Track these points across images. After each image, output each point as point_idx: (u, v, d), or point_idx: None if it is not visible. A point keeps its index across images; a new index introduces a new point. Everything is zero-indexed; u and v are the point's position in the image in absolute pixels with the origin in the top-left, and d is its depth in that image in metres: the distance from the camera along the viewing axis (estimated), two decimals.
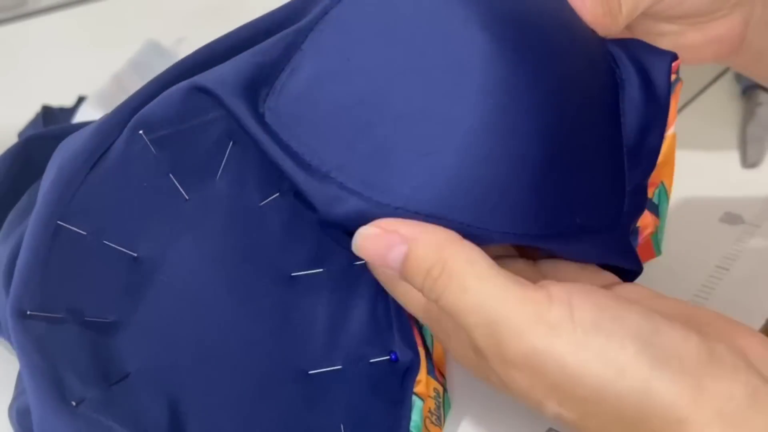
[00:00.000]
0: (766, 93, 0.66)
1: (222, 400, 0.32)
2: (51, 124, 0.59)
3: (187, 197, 0.34)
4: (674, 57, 0.36)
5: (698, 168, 0.58)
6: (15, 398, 0.34)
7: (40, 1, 0.91)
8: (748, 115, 0.64)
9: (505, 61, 0.30)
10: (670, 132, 0.38)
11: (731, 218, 0.51)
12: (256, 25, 0.36)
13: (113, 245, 0.33)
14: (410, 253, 0.29)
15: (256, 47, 0.35)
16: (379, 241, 0.30)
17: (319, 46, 0.34)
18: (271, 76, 0.34)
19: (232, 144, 0.34)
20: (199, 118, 0.34)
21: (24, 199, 0.39)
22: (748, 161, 0.58)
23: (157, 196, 0.34)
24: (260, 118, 0.33)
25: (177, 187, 0.34)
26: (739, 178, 0.57)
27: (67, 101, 0.62)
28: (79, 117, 0.58)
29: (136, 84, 0.65)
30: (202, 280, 0.33)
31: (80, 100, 0.62)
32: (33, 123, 0.59)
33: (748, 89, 0.67)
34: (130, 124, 0.34)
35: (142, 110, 0.34)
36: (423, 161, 0.30)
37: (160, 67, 0.69)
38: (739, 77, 0.71)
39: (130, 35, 0.73)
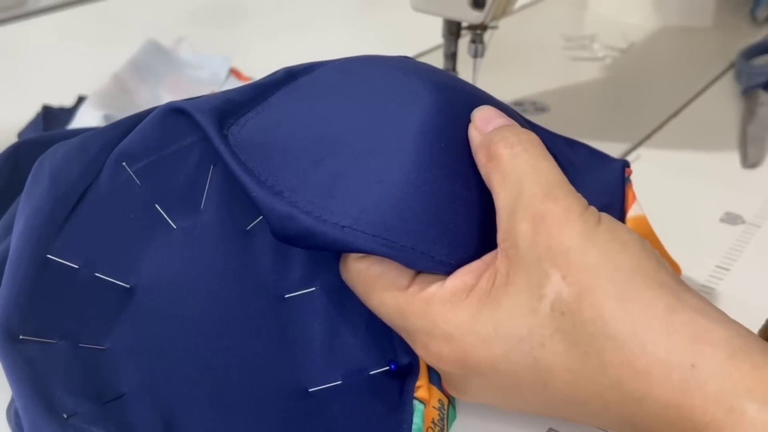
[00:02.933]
0: (766, 93, 0.66)
1: (219, 421, 0.32)
2: (51, 124, 0.59)
3: (174, 226, 0.35)
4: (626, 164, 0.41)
5: (698, 168, 0.58)
6: (13, 399, 0.34)
7: (40, 1, 0.92)
8: (748, 115, 0.64)
9: (443, 110, 0.34)
10: (632, 214, 0.39)
11: (731, 218, 0.51)
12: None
13: (106, 277, 0.33)
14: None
15: (228, 90, 0.37)
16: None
17: (286, 100, 0.37)
18: (237, 112, 0.36)
19: (213, 167, 0.35)
20: (178, 143, 0.35)
21: (13, 208, 0.39)
22: (748, 161, 0.58)
23: (145, 225, 0.34)
24: (224, 138, 0.35)
25: (164, 216, 0.34)
26: (739, 178, 0.57)
27: (67, 101, 0.62)
28: (79, 117, 0.58)
29: (136, 83, 0.65)
30: (195, 305, 0.33)
31: (80, 100, 0.62)
32: (33, 123, 0.59)
33: (748, 89, 0.68)
34: (112, 157, 0.35)
35: (122, 142, 0.35)
36: (371, 189, 0.32)
37: (159, 66, 0.69)
38: (739, 77, 0.71)
39: (130, 35, 0.73)
